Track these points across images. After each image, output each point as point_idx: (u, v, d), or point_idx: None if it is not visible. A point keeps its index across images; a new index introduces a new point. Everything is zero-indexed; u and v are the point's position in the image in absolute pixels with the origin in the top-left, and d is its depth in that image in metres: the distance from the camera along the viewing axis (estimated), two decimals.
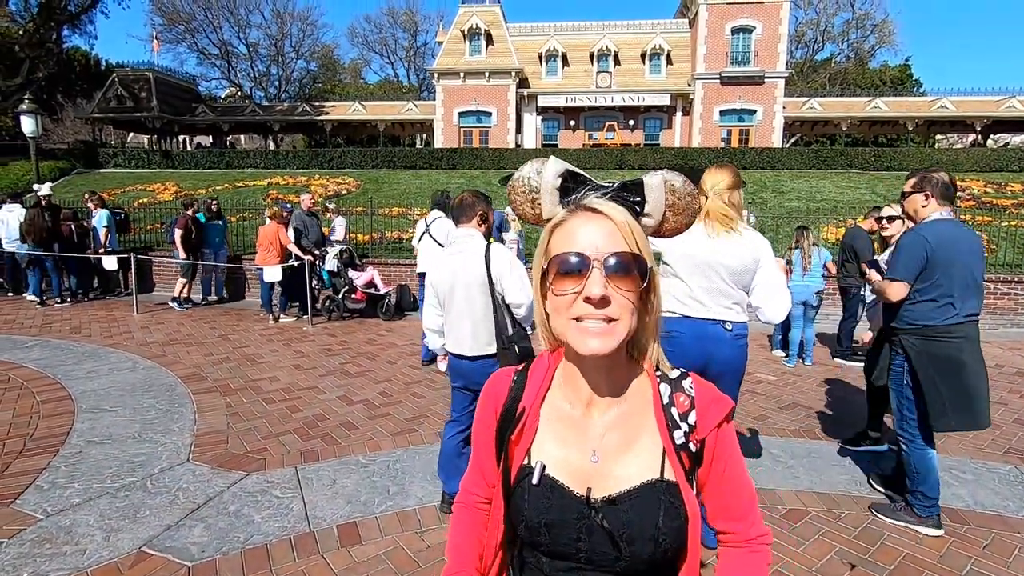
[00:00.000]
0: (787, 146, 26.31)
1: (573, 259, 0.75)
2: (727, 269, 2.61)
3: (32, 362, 5.71)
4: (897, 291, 2.86)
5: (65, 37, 25.25)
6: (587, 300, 0.74)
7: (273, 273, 7.88)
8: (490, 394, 0.94)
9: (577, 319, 0.75)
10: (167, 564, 2.55)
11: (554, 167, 0.82)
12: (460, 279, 2.79)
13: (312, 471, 3.51)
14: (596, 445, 0.83)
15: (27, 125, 11.07)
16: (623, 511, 0.80)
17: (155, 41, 32.79)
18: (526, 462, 0.85)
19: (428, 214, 5.96)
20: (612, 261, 0.74)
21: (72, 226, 9.32)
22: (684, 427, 0.83)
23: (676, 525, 0.80)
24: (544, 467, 0.83)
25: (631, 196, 0.80)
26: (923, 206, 2.89)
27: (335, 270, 8.34)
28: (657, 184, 0.79)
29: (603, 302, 0.73)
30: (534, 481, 0.82)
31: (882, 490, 3.35)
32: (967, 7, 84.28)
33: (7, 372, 5.37)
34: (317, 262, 8.32)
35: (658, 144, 27.17)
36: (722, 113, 26.84)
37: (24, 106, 11.09)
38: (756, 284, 2.66)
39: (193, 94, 30.95)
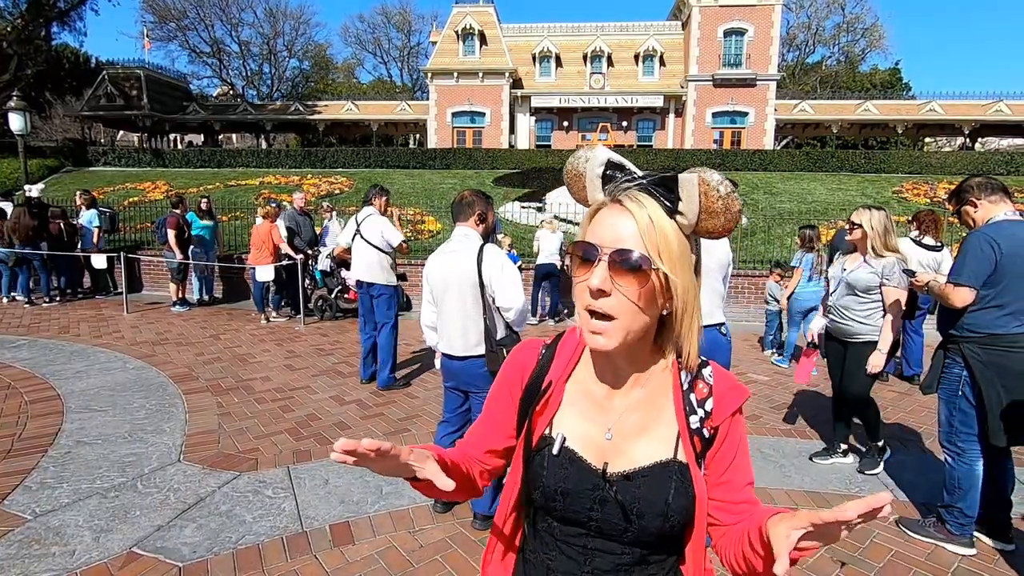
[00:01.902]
0: (778, 148, 26.48)
1: (587, 248, 0.79)
2: (719, 265, 2.70)
3: (20, 362, 5.64)
4: (962, 296, 2.65)
5: (54, 34, 24.97)
6: (588, 289, 0.78)
7: (265, 272, 7.83)
8: (517, 362, 0.98)
9: (587, 310, 0.79)
10: (158, 565, 2.53)
11: (601, 155, 0.84)
12: (452, 278, 2.79)
13: (304, 471, 3.50)
14: (612, 423, 0.88)
15: (15, 123, 10.94)
16: (636, 486, 0.84)
17: (146, 39, 32.52)
18: (547, 432, 0.90)
19: (359, 211, 5.25)
20: (616, 257, 0.76)
21: (61, 224, 9.21)
22: (700, 413, 0.87)
23: (684, 503, 0.84)
24: (565, 439, 0.88)
25: (666, 192, 0.79)
26: (976, 211, 2.75)
27: (328, 270, 8.31)
28: (690, 181, 0.78)
29: (600, 294, 0.77)
30: (554, 451, 0.87)
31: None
32: (956, 12, 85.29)
33: None
34: (310, 262, 8.29)
35: (651, 145, 27.26)
36: (714, 115, 26.98)
37: (12, 103, 10.96)
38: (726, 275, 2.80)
39: (184, 92, 30.67)
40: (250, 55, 41.75)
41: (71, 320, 7.73)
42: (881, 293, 3.35)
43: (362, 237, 5.08)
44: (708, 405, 0.87)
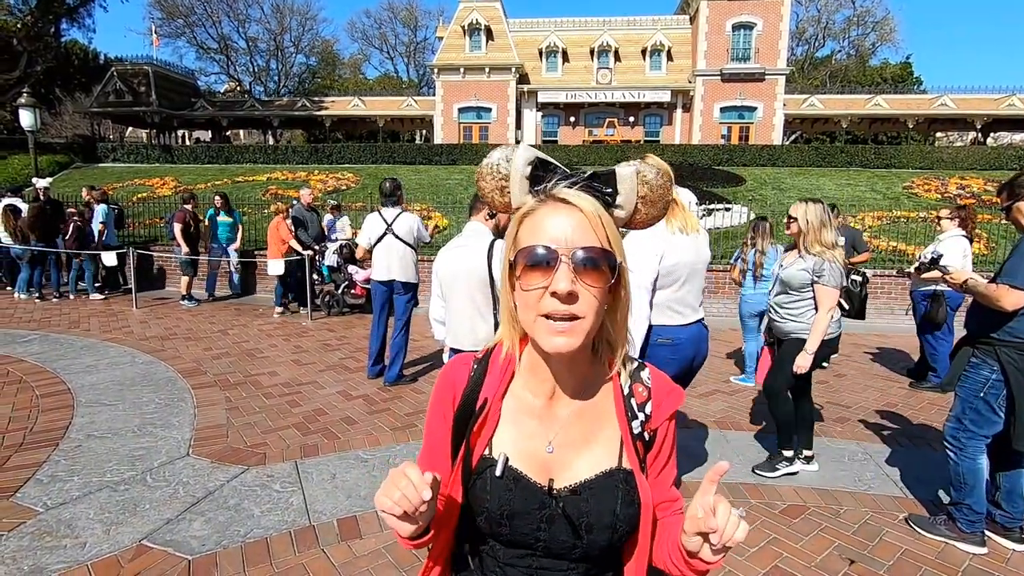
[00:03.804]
0: (787, 143, 26.25)
1: (540, 251, 0.72)
2: (704, 264, 2.75)
3: (31, 356, 5.70)
4: (1016, 300, 2.52)
5: (63, 31, 25.24)
6: (554, 295, 0.72)
7: (276, 267, 7.88)
8: (448, 381, 0.91)
9: (545, 316, 0.73)
10: (167, 557, 2.55)
11: (524, 154, 0.80)
12: (462, 273, 2.78)
13: (312, 465, 3.51)
14: (552, 436, 0.84)
15: (25, 119, 11.03)
16: (584, 500, 0.81)
17: (154, 35, 32.66)
18: (487, 453, 0.84)
19: (383, 209, 5.22)
20: (580, 255, 0.71)
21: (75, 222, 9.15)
22: (641, 417, 0.85)
23: (631, 512, 0.82)
24: (507, 459, 0.82)
25: (603, 186, 0.78)
26: None
27: (335, 265, 8.33)
28: (629, 175, 0.77)
29: (570, 298, 0.71)
30: (497, 473, 0.81)
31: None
32: (968, 5, 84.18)
33: (6, 366, 5.36)
34: (317, 257, 8.31)
35: (658, 141, 27.13)
36: (722, 110, 26.80)
37: (22, 100, 11.05)
38: None
39: (192, 89, 30.79)
40: (257, 51, 41.91)
41: (81, 315, 7.79)
42: (813, 291, 3.20)
43: (395, 235, 5.08)
44: (648, 408, 0.85)
